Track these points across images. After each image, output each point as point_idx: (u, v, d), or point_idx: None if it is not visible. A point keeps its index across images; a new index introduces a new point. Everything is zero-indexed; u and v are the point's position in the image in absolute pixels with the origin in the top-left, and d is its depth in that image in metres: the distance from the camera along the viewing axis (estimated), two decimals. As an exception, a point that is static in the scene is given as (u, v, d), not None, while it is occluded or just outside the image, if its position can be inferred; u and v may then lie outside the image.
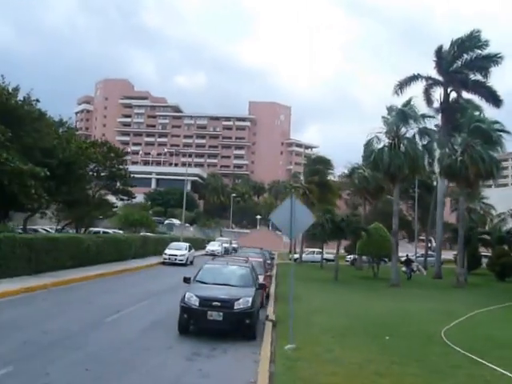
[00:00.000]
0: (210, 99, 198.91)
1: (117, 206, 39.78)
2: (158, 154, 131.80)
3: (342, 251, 66.80)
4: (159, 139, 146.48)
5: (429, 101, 35.83)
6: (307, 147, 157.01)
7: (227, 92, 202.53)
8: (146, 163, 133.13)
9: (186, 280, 13.06)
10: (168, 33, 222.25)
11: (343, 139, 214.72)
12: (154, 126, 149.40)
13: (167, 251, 35.56)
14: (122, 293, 19.11)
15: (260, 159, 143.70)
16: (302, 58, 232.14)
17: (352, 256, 46.25)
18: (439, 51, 34.75)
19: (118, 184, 37.53)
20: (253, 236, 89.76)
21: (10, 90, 25.47)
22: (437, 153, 29.69)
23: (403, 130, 27.68)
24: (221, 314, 11.23)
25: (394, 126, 26.54)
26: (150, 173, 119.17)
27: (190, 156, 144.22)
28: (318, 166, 44.77)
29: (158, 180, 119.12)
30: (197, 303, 11.38)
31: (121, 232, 43.77)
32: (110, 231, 43.32)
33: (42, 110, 28.40)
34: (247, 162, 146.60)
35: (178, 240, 43.87)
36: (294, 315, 11.99)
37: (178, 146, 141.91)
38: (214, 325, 11.42)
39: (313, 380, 8.38)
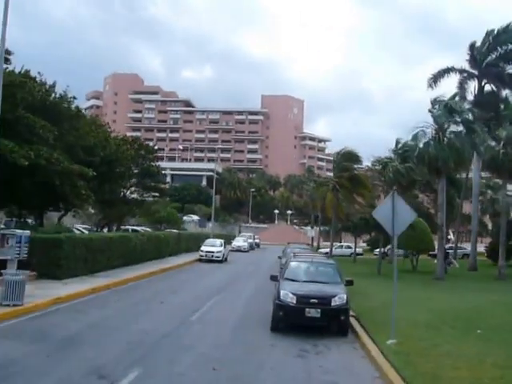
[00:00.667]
0: (218, 92, 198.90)
1: (149, 204, 39.99)
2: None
3: (361, 244, 67.33)
4: (171, 134, 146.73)
5: (463, 94, 35.66)
6: (320, 141, 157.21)
7: (235, 84, 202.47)
8: (159, 159, 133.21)
9: (273, 278, 13.24)
10: (174, 25, 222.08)
11: (352, 131, 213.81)
12: (165, 121, 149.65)
13: (204, 248, 35.82)
14: (184, 291, 19.37)
15: (273, 153, 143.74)
16: (309, 49, 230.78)
17: (381, 249, 46.12)
18: (473, 44, 34.65)
19: (150, 181, 37.71)
20: (272, 231, 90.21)
21: (47, 87, 25.45)
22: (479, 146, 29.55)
23: (444, 123, 27.62)
24: (318, 310, 11.44)
25: (441, 119, 26.52)
26: (165, 168, 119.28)
27: (202, 151, 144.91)
28: (347, 160, 44.67)
29: (172, 176, 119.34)
30: (294, 301, 11.58)
31: (148, 229, 44.12)
32: (139, 228, 43.70)
33: (79, 108, 28.63)
34: (261, 156, 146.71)
35: (207, 237, 44.26)
36: (369, 310, 12.15)
37: (190, 141, 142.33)
38: (312, 322, 11.63)
39: (438, 374, 8.49)
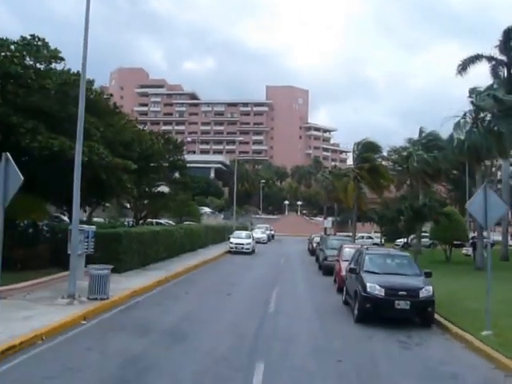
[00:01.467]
0: (219, 83, 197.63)
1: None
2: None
3: (374, 234, 67.48)
4: (177, 127, 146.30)
5: (497, 81, 35.47)
6: (325, 131, 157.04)
7: (236, 75, 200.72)
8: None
9: (353, 271, 13.40)
10: (175, 18, 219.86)
11: (353, 119, 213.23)
12: (171, 114, 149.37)
13: (233, 240, 36.02)
14: (240, 284, 19.51)
15: (279, 144, 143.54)
16: (310, 38, 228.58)
17: (403, 240, 46.38)
18: (508, 31, 34.38)
19: (177, 175, 37.80)
20: (283, 222, 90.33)
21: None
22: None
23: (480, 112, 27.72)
24: (408, 302, 11.62)
25: (486, 107, 26.58)
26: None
27: (208, 143, 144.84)
28: (368, 151, 44.77)
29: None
30: (382, 293, 11.76)
31: (171, 222, 44.29)
32: (163, 221, 43.89)
33: (116, 104, 28.68)
34: (266, 147, 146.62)
35: (229, 229, 44.54)
36: (439, 302, 12.28)
37: (195, 133, 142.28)
38: (401, 314, 11.84)
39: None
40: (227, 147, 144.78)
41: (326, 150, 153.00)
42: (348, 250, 19.44)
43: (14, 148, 16.71)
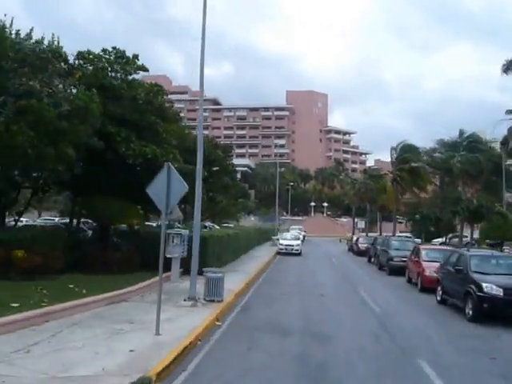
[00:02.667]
0: (237, 88, 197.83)
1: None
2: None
3: (398, 234, 67.17)
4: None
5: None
6: (345, 133, 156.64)
7: (252, 80, 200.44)
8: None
9: (459, 271, 13.42)
10: (191, 24, 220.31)
11: (367, 121, 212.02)
12: (194, 120, 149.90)
13: (283, 242, 36.15)
14: (323, 285, 19.58)
15: (300, 147, 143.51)
16: (322, 41, 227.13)
17: (440, 239, 46.15)
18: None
19: (227, 179, 38.07)
20: (310, 223, 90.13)
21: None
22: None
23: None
24: (527, 301, 11.62)
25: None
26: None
27: (231, 147, 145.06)
28: (407, 153, 44.74)
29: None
30: (500, 293, 11.78)
31: (216, 226, 44.58)
32: (206, 224, 44.16)
33: (177, 111, 29.04)
34: (288, 150, 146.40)
35: (271, 231, 44.71)
36: None
37: (219, 137, 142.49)
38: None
39: None
40: (250, 151, 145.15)
41: (345, 152, 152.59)
42: (426, 252, 19.65)
43: (114, 156, 17.15)
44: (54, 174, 15.15)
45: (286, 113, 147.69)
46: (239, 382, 7.33)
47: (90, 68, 17.95)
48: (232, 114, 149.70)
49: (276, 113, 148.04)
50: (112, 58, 18.49)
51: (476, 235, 41.23)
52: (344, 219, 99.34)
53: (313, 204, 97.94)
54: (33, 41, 15.64)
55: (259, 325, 11.26)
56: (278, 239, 37.81)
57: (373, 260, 30.96)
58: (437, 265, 17.60)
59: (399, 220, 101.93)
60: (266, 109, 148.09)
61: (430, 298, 16.12)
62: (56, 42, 16.24)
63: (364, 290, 17.80)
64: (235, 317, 12.07)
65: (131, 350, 8.17)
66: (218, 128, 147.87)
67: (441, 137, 47.29)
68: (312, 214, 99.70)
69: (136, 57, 18.61)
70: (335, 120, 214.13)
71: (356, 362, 8.49)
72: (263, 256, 31.76)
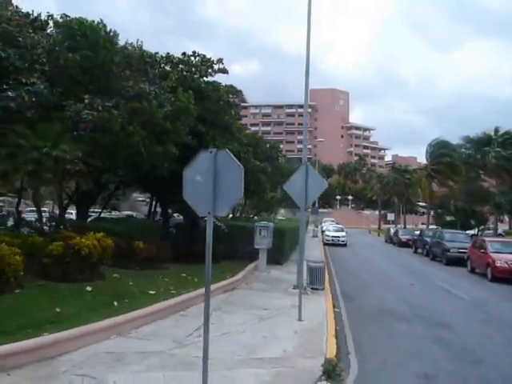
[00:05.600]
0: (258, 86, 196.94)
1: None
2: None
3: (420, 226, 66.79)
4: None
5: None
6: (365, 129, 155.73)
7: (273, 77, 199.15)
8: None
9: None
10: (215, 23, 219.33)
11: (385, 117, 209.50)
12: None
13: (329, 233, 36.31)
14: (399, 276, 19.67)
15: (322, 143, 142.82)
16: (342, 39, 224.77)
17: (472, 231, 45.64)
18: None
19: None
20: (336, 215, 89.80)
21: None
22: None
23: None
24: None
25: None
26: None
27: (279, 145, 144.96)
28: (443, 148, 44.45)
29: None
30: None
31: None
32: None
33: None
34: (310, 146, 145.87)
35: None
36: None
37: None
38: None
39: None
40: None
41: (365, 147, 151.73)
42: (491, 244, 19.80)
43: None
44: (156, 170, 15.36)
45: (309, 110, 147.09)
46: (408, 362, 7.49)
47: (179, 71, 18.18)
48: (258, 111, 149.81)
49: (299, 110, 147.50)
50: (197, 61, 18.69)
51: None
52: (367, 212, 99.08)
53: (338, 197, 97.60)
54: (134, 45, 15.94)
55: (375, 312, 11.45)
56: (323, 231, 37.87)
57: (419, 251, 30.89)
58: (505, 256, 17.68)
59: (421, 212, 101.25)
60: (290, 106, 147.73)
61: (504, 288, 16.15)
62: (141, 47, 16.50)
63: (438, 280, 17.83)
64: (346, 304, 12.22)
65: (295, 332, 8.41)
66: (245, 125, 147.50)
67: (466, 134, 46.75)
68: (338, 206, 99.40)
69: (220, 60, 18.77)
70: (355, 116, 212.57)
71: (493, 347, 8.59)
72: (314, 247, 31.86)
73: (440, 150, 44.47)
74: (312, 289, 13.27)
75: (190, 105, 15.67)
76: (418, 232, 37.65)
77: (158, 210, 23.38)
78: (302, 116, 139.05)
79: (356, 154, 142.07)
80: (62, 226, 12.93)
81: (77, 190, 15.00)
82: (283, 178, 37.63)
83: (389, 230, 45.50)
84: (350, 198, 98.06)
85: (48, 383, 5.72)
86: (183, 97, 15.57)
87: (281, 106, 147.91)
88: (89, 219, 16.75)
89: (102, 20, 14.47)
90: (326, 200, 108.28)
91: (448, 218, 56.35)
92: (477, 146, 45.81)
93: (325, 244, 35.53)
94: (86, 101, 13.13)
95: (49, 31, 15.07)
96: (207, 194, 5.38)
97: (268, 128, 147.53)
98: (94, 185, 14.27)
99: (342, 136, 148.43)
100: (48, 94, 13.34)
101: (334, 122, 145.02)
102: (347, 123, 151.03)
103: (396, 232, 40.41)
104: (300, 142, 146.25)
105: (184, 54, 19.63)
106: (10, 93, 12.83)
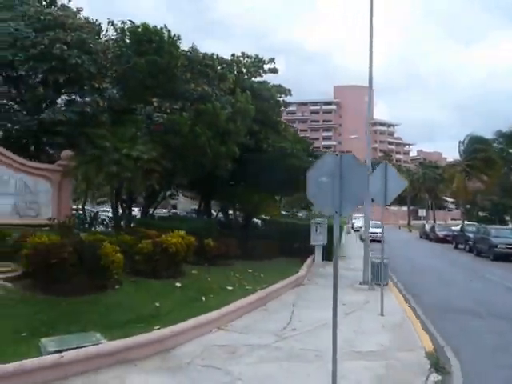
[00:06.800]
0: (286, 83, 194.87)
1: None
2: None
3: (450, 222, 65.94)
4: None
5: None
6: (389, 125, 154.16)
7: (295, 74, 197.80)
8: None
9: None
10: (235, 22, 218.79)
11: (406, 113, 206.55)
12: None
13: (371, 229, 36.11)
14: (447, 270, 19.60)
15: (346, 140, 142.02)
16: (361, 35, 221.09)
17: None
18: None
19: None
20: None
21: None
22: None
23: None
24: None
25: None
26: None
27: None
28: (478, 143, 43.78)
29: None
30: None
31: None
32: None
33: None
34: (335, 142, 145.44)
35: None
36: None
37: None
38: None
39: None
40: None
41: (390, 143, 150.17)
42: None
43: (259, 151, 17.64)
44: (219, 170, 15.63)
45: (333, 107, 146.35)
46: (502, 356, 7.56)
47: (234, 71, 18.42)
48: (282, 108, 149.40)
49: (324, 107, 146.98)
50: (248, 61, 18.91)
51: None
52: (394, 208, 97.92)
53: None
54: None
55: (446, 307, 11.50)
56: (359, 228, 37.80)
57: (460, 246, 30.56)
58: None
59: (449, 208, 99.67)
60: (314, 103, 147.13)
61: None
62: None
63: (492, 275, 17.73)
64: (414, 300, 12.27)
65: (383, 326, 8.56)
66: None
67: (499, 128, 45.76)
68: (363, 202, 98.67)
69: (272, 60, 18.96)
70: (378, 111, 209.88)
71: None
72: (352, 242, 31.91)
73: (474, 146, 43.77)
74: (376, 284, 13.36)
75: (249, 105, 15.93)
76: (455, 228, 37.26)
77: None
78: (326, 113, 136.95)
79: (381, 150, 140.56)
80: (132, 225, 13.34)
81: (147, 190, 15.40)
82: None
83: (424, 225, 45.09)
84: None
85: (180, 373, 6.01)
86: (242, 98, 15.83)
87: (305, 103, 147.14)
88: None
89: (165, 25, 14.83)
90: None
91: (480, 214, 55.74)
92: (509, 140, 45.11)
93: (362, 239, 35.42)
94: (155, 104, 13.54)
95: (113, 37, 15.50)
96: (334, 194, 5.57)
97: (293, 125, 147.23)
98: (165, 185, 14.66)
99: (366, 132, 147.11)
100: (119, 98, 13.78)
101: (359, 118, 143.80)
102: (372, 119, 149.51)
103: (432, 228, 40.05)
104: (324, 138, 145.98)
105: (233, 55, 19.91)
106: (85, 98, 13.32)
